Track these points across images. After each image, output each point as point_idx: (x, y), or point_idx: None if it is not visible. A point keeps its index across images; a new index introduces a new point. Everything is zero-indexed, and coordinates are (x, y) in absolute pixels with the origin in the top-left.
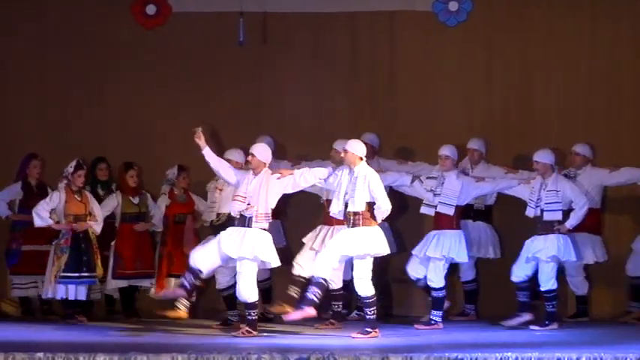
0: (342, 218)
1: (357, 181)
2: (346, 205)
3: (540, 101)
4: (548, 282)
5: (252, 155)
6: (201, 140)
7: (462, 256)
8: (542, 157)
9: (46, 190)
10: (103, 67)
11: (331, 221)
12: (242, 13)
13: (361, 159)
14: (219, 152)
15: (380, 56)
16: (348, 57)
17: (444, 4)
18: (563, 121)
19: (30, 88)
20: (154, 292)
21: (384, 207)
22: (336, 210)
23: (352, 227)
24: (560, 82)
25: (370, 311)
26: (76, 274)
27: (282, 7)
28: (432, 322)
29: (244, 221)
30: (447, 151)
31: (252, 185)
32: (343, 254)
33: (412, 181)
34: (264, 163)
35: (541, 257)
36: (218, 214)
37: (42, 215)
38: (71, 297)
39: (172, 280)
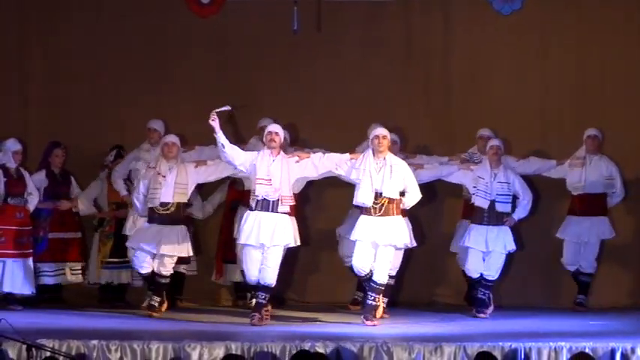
0: (369, 206)
1: (393, 169)
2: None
3: (596, 89)
4: (498, 272)
5: (277, 134)
6: (215, 123)
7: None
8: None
9: (70, 178)
10: (158, 56)
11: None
12: (296, 2)
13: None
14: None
15: (433, 44)
16: (402, 45)
17: None
18: (619, 109)
19: (86, 78)
20: (214, 278)
21: (418, 195)
22: (368, 199)
23: (384, 215)
24: (616, 70)
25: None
26: (120, 260)
27: None
28: None
29: (269, 205)
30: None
31: (274, 167)
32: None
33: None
34: (283, 144)
35: (498, 249)
36: (166, 203)
37: (85, 203)
38: (116, 282)
39: (228, 267)
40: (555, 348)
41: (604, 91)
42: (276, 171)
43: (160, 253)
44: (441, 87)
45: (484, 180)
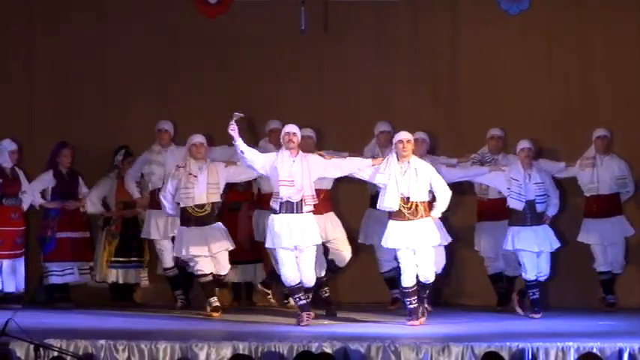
0: (394, 210)
1: (418, 171)
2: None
3: (602, 89)
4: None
5: (294, 134)
6: (235, 132)
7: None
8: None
9: (77, 178)
10: (163, 56)
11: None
12: (304, 2)
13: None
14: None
15: (441, 44)
16: (409, 45)
17: None
18: (626, 109)
19: (91, 77)
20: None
21: (448, 195)
22: (394, 204)
23: (414, 219)
24: (622, 70)
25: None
26: (126, 259)
27: None
28: None
29: (293, 207)
30: (418, 134)
31: (295, 168)
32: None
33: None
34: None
35: (546, 249)
36: (202, 205)
37: (94, 202)
38: (122, 280)
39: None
40: (563, 348)
41: (611, 90)
42: (297, 171)
43: (213, 253)
44: (447, 87)
45: (518, 182)
